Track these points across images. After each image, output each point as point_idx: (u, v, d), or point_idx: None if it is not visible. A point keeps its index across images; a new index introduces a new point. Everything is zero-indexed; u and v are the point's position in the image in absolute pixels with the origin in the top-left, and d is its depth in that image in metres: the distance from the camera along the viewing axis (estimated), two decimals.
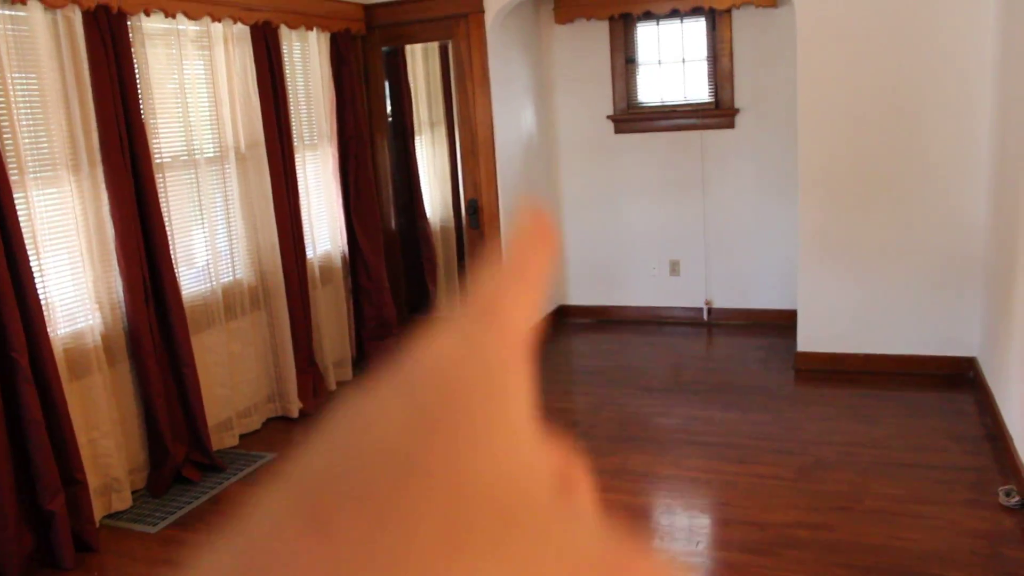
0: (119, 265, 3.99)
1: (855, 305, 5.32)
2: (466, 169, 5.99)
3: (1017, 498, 3.62)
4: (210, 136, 4.67)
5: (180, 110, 4.44)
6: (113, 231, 3.96)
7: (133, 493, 4.14)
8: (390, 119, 6.15)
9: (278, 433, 4.97)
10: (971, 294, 5.08)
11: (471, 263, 6.15)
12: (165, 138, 4.36)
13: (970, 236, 5.02)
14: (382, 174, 6.17)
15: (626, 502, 3.89)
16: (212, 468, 4.41)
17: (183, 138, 4.47)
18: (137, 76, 4.07)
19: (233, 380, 4.80)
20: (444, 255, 6.48)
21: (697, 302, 6.70)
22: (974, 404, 4.75)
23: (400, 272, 6.33)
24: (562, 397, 5.33)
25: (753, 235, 6.43)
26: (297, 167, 5.21)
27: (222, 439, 4.70)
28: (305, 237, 5.29)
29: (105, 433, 3.93)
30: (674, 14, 6.18)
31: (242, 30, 4.74)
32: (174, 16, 4.24)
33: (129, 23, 4.01)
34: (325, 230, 5.65)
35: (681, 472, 4.14)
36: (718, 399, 5.07)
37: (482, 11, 5.68)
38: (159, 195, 4.18)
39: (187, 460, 4.32)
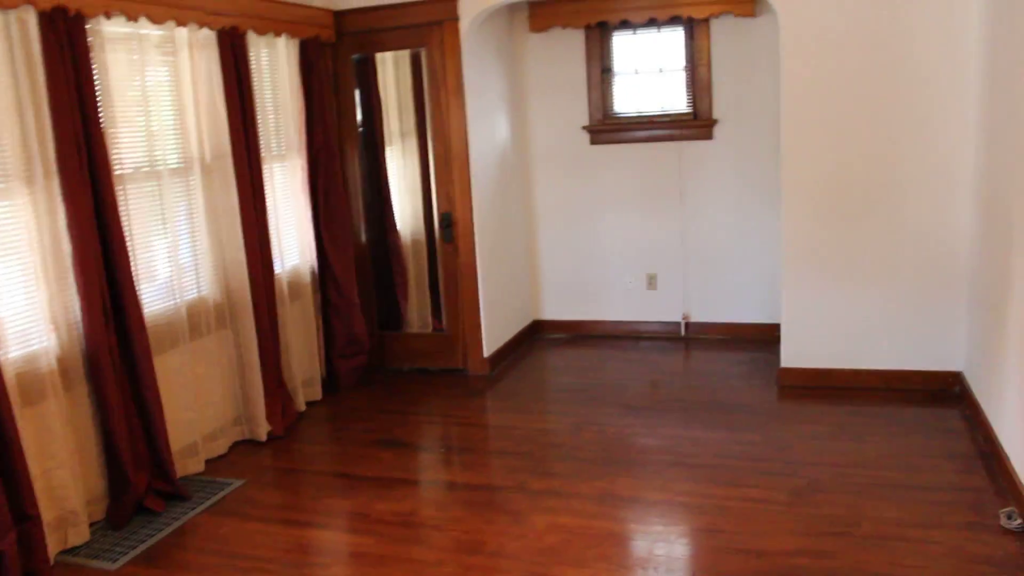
0: (76, 283, 3.74)
1: (839, 320, 5.21)
2: (439, 181, 5.80)
3: (1019, 521, 3.50)
4: (174, 146, 4.43)
5: (142, 119, 4.21)
6: (70, 246, 3.71)
7: (91, 526, 3.88)
8: (360, 129, 5.95)
9: (246, 457, 4.73)
10: (956, 308, 4.99)
11: (445, 278, 5.95)
12: (126, 148, 4.11)
13: (954, 249, 4.94)
14: (352, 186, 5.96)
15: (615, 530, 3.71)
16: (176, 497, 4.17)
17: (145, 148, 4.23)
18: (97, 82, 3.83)
19: (198, 403, 4.55)
20: (415, 270, 6.28)
21: (674, 316, 6.57)
22: (962, 420, 4.65)
23: (371, 287, 6.12)
24: (540, 417, 5.16)
25: (732, 248, 6.32)
26: (265, 179, 4.98)
27: (187, 465, 4.46)
28: (273, 252, 5.07)
29: (61, 463, 3.67)
30: (651, 23, 6.06)
31: (208, 35, 4.52)
32: (136, 19, 4.01)
33: (88, 26, 3.78)
34: (294, 244, 5.43)
35: (670, 497, 3.97)
36: (702, 417, 4.92)
37: (457, 18, 5.50)
38: (119, 208, 3.93)
39: (149, 489, 4.07)
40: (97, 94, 3.81)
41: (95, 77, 3.81)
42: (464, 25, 5.51)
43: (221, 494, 4.23)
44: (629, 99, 6.40)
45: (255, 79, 4.91)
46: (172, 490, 4.15)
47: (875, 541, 3.47)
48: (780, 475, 4.12)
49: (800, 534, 3.55)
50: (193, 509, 4.08)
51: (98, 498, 3.98)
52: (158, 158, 4.29)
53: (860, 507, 3.75)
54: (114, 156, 3.97)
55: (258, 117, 4.91)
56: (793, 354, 5.34)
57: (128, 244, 3.99)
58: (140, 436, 4.05)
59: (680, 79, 6.23)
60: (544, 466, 4.39)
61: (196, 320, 4.57)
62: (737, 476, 4.13)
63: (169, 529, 3.90)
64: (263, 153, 4.99)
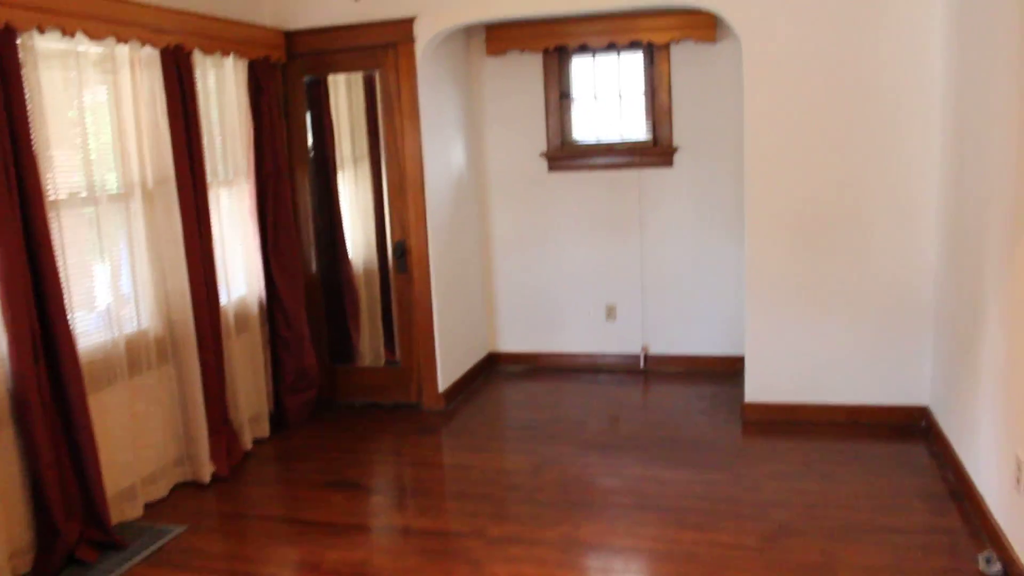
0: (3, 317, 3.46)
1: (804, 353, 5.10)
2: (394, 208, 5.60)
3: (999, 565, 3.39)
4: (113, 170, 4.18)
5: (79, 141, 3.95)
6: None
7: None
8: (311, 154, 5.73)
9: (188, 501, 4.45)
10: (921, 341, 4.91)
11: (398, 310, 5.73)
12: (61, 172, 3.84)
13: (920, 280, 4.87)
14: (302, 213, 5.73)
15: None
16: (111, 546, 3.87)
17: (82, 173, 3.96)
18: (28, 102, 3.57)
19: (137, 444, 4.27)
20: (368, 300, 6.05)
21: (633, 348, 6.42)
22: (930, 457, 4.55)
23: (322, 319, 5.87)
24: (498, 456, 4.95)
25: (692, 278, 6.20)
26: (211, 205, 4.74)
27: (123, 510, 4.17)
28: (219, 282, 4.82)
29: None
30: (610, 47, 5.95)
31: (151, 54, 4.28)
32: (73, 35, 3.76)
33: (19, 41, 3.52)
34: (241, 274, 5.18)
35: (637, 543, 3.79)
36: (666, 456, 4.76)
37: (412, 40, 5.32)
38: (52, 236, 3.66)
39: (81, 539, 3.77)
40: (28, 114, 3.55)
41: (26, 96, 3.55)
42: (419, 47, 5.34)
43: (160, 542, 3.95)
44: (588, 126, 6.27)
45: (201, 101, 4.68)
46: (107, 539, 3.86)
47: None
48: (749, 518, 3.96)
49: None
50: (129, 560, 3.79)
51: (23, 550, 3.67)
52: (96, 183, 4.02)
53: (834, 552, 3.61)
54: (47, 180, 3.70)
55: (204, 140, 4.67)
56: (757, 388, 5.21)
57: (62, 275, 3.72)
58: (72, 481, 3.77)
59: (640, 105, 6.12)
60: (504, 510, 4.19)
61: (135, 355, 4.30)
62: (705, 519, 3.97)
63: None
64: (209, 178, 4.75)
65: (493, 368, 6.64)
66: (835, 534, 3.76)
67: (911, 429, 4.94)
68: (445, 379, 5.77)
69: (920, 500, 4.07)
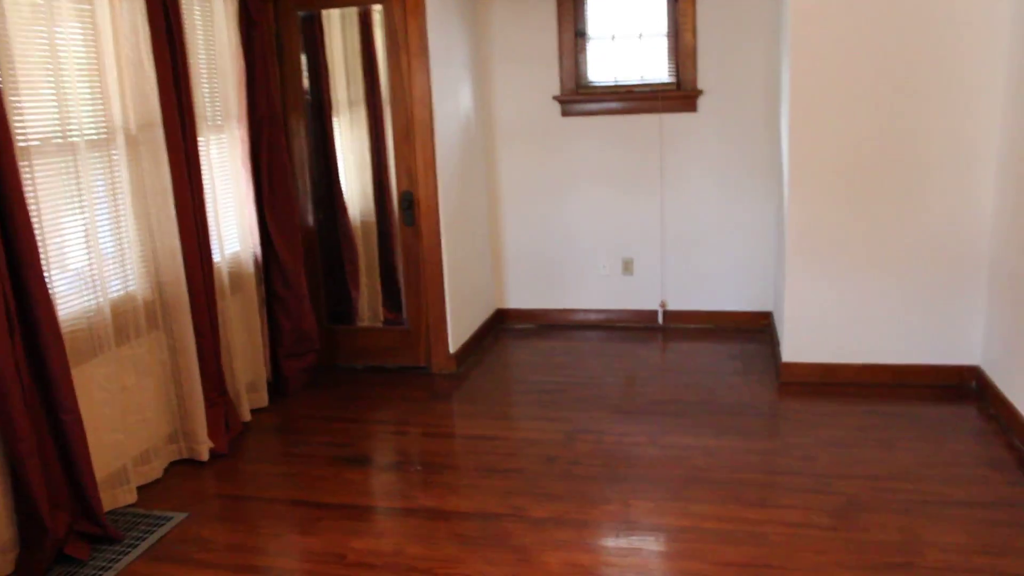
0: None
1: (846, 311, 4.73)
2: (399, 156, 5.12)
3: None
4: (92, 113, 3.66)
5: (52, 80, 3.43)
6: None
7: None
8: (307, 97, 5.22)
9: (185, 482, 4.01)
10: (975, 297, 4.56)
11: (405, 266, 5.28)
12: (32, 116, 3.33)
13: (974, 234, 4.50)
14: (298, 161, 5.24)
15: (645, 568, 3.13)
16: (105, 539, 3.44)
17: (56, 116, 3.45)
18: None
19: (126, 421, 3.82)
20: (366, 256, 5.59)
21: (651, 304, 6.03)
22: (987, 420, 4.24)
23: (319, 277, 5.41)
24: (524, 424, 4.54)
25: (715, 230, 5.80)
26: (200, 153, 4.25)
27: (116, 496, 3.73)
28: (211, 238, 4.34)
29: None
30: None
31: None
32: None
33: None
34: (234, 229, 4.70)
35: (697, 522, 3.41)
36: (706, 421, 4.39)
37: None
38: (24, 189, 3.17)
39: (71, 533, 3.34)
40: None
41: None
42: None
43: (159, 532, 3.52)
44: (605, 67, 5.80)
45: (188, 36, 4.16)
46: (99, 531, 3.42)
47: (945, 574, 2.97)
48: (813, 491, 3.61)
49: (857, 568, 3.04)
50: (126, 554, 3.36)
51: (6, 548, 3.22)
52: (72, 127, 3.51)
53: (915, 531, 3.26)
54: (16, 125, 3.20)
55: (192, 80, 4.16)
56: (795, 347, 4.84)
57: (36, 234, 3.24)
58: (57, 470, 3.31)
59: (662, 46, 5.65)
60: (542, 487, 3.79)
61: (122, 321, 3.83)
62: (765, 494, 3.60)
63: None
64: (198, 123, 4.25)
65: (501, 326, 6.23)
66: (911, 509, 3.42)
67: (961, 390, 4.62)
68: (456, 340, 5.35)
69: (992, 470, 3.74)
